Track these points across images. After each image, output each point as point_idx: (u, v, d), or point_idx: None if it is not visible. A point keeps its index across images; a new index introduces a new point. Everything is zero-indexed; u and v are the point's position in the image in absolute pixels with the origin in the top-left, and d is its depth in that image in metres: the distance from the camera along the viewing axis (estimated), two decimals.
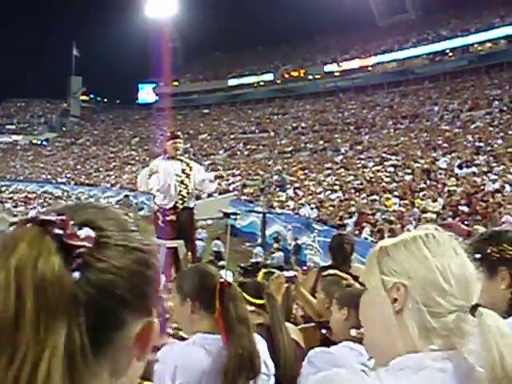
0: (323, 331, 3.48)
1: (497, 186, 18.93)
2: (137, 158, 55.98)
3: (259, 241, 22.27)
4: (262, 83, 67.68)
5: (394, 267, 1.33)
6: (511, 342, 1.21)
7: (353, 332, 2.81)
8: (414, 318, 1.28)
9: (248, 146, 51.48)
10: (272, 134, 53.57)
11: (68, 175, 56.38)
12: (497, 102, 38.68)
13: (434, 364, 1.23)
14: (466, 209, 16.60)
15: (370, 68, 58.59)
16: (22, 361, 0.67)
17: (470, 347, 1.27)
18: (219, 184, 34.25)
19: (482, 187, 19.19)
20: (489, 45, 50.73)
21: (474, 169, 22.67)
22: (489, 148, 26.32)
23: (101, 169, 56.66)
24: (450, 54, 53.22)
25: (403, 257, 1.33)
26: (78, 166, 60.04)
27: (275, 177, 32.57)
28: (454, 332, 1.27)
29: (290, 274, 4.22)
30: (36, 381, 0.67)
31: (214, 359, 2.41)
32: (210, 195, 24.41)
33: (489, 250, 2.23)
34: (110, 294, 0.76)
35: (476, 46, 51.61)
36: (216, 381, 2.38)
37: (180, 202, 7.65)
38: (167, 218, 7.63)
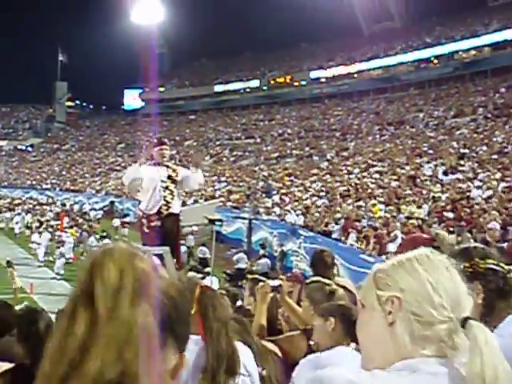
0: (311, 342, 3.44)
1: (480, 192, 19.02)
2: (122, 164, 55.76)
3: (245, 247, 22.22)
4: (248, 89, 67.82)
5: (388, 282, 1.41)
6: (496, 356, 1.27)
7: (352, 345, 2.80)
8: (406, 327, 1.35)
9: (234, 153, 51.53)
10: (258, 140, 53.65)
11: (53, 181, 56.12)
12: (481, 109, 38.99)
13: (427, 368, 1.29)
14: (451, 215, 16.64)
15: (355, 75, 58.91)
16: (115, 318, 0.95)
17: (460, 359, 1.32)
18: (205, 190, 34.25)
19: (467, 193, 19.27)
20: (473, 52, 51.16)
21: (458, 175, 22.78)
22: (473, 154, 26.48)
23: (86, 175, 56.46)
24: (435, 61, 53.62)
25: (397, 273, 1.41)
26: (64, 172, 59.79)
27: (261, 183, 32.58)
28: (446, 341, 1.33)
29: (276, 283, 4.19)
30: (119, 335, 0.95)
31: (196, 357, 2.39)
32: (195, 201, 24.45)
33: (462, 266, 2.27)
34: (161, 310, 1.00)
35: (461, 53, 52.04)
36: (197, 378, 2.36)
37: (164, 207, 7.58)
38: (152, 224, 7.56)
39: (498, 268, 2.35)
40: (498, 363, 1.26)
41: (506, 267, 2.39)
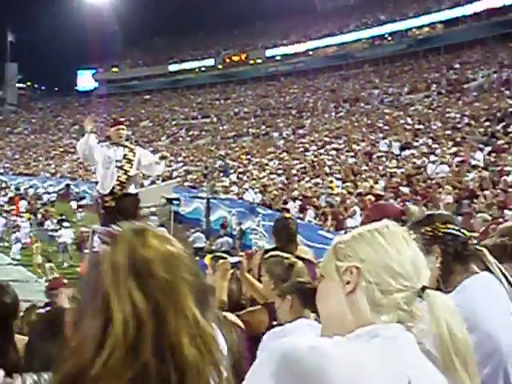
0: (274, 323, 3.46)
1: (434, 167, 19.26)
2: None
3: (204, 227, 22.18)
4: (203, 68, 67.22)
5: (348, 253, 1.46)
6: (457, 317, 1.39)
7: (313, 316, 2.84)
8: (367, 296, 1.40)
9: (190, 132, 51.20)
10: (214, 119, 53.40)
11: (6, 165, 54.88)
12: (435, 85, 39.48)
13: (386, 333, 1.35)
14: (406, 190, 16.85)
15: (310, 52, 58.93)
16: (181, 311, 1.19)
17: (418, 326, 1.41)
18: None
19: (422, 169, 19.53)
20: (426, 29, 51.69)
21: (413, 151, 23.06)
22: (428, 130, 26.82)
23: (40, 158, 55.38)
24: (389, 38, 54.01)
25: (357, 244, 1.47)
26: (17, 156, 58.54)
27: (218, 162, 32.50)
28: (404, 309, 1.40)
29: (235, 259, 4.20)
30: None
31: None
32: (153, 182, 24.27)
33: (423, 230, 2.33)
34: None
35: (414, 30, 52.50)
36: None
37: (118, 187, 7.52)
38: (106, 205, 7.52)
39: (458, 233, 2.38)
40: (455, 324, 1.38)
41: (468, 234, 2.43)
